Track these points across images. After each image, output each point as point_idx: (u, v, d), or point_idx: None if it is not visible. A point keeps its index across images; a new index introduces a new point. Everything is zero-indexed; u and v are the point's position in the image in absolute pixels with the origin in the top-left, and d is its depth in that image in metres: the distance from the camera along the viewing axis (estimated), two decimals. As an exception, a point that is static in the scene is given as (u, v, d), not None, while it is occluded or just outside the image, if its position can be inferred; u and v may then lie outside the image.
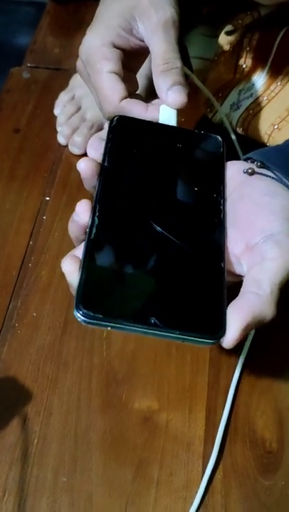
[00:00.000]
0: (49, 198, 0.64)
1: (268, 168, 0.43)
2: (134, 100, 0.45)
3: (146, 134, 0.44)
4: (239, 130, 0.62)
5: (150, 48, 0.45)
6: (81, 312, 0.33)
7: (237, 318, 0.34)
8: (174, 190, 0.41)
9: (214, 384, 0.50)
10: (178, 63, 0.45)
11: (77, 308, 0.33)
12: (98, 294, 0.34)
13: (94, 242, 0.37)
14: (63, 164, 0.67)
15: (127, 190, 0.40)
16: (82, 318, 0.33)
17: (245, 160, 0.45)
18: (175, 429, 0.48)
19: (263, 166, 0.43)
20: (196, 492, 0.45)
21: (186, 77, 0.51)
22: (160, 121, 0.44)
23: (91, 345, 0.52)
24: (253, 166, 0.43)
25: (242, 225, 0.40)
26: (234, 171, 0.43)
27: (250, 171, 0.42)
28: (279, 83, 0.60)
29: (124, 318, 0.33)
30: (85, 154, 0.67)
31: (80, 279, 0.35)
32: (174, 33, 0.45)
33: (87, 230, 0.37)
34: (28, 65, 0.79)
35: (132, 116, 0.45)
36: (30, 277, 0.57)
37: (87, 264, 0.35)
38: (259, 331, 0.52)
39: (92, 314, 0.33)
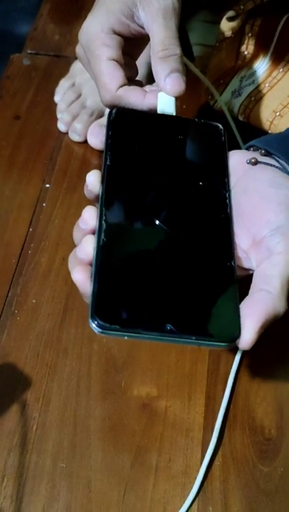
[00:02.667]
0: (49, 185, 0.63)
1: (271, 156, 0.43)
2: (131, 88, 0.44)
3: (146, 126, 0.43)
4: (241, 117, 0.62)
5: (150, 35, 0.44)
6: (96, 323, 0.33)
7: (252, 320, 0.34)
8: (179, 188, 0.40)
9: (214, 371, 0.50)
10: (177, 50, 0.44)
11: (93, 319, 0.33)
12: (113, 304, 0.33)
13: (103, 249, 0.35)
14: (63, 151, 0.66)
15: (131, 189, 0.39)
16: (98, 329, 0.33)
17: (248, 148, 0.44)
18: (174, 415, 0.48)
19: (266, 153, 0.42)
20: (195, 478, 0.45)
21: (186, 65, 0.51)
22: (158, 108, 0.44)
23: (91, 331, 0.50)
24: (256, 154, 0.43)
25: (248, 218, 0.39)
26: (236, 161, 0.43)
27: (253, 160, 0.42)
28: (281, 70, 0.60)
29: (141, 327, 0.33)
30: (85, 141, 0.67)
31: (93, 289, 0.34)
32: (175, 20, 0.44)
33: (96, 235, 0.36)
34: (29, 51, 0.78)
35: (130, 103, 0.44)
36: (29, 264, 0.57)
37: (99, 273, 0.34)
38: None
39: (108, 325, 0.32)
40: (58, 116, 0.69)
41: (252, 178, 0.41)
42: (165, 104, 0.43)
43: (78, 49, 0.47)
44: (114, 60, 0.44)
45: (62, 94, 0.70)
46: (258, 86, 0.61)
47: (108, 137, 0.42)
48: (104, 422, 0.47)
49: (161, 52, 0.43)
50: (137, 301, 0.34)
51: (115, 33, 0.45)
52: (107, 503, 0.44)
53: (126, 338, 0.33)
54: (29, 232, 0.59)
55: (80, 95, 0.69)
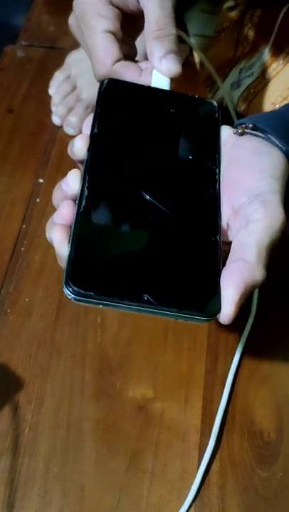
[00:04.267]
0: (43, 180, 0.62)
1: (258, 130, 0.41)
2: (127, 63, 0.43)
3: (138, 98, 0.42)
4: (240, 110, 0.60)
5: (145, 13, 0.42)
6: (71, 289, 0.32)
7: (230, 292, 0.33)
8: (167, 159, 0.40)
9: (212, 372, 0.49)
10: (173, 30, 0.42)
11: (67, 285, 0.32)
12: (89, 271, 0.33)
13: (83, 215, 0.35)
14: (58, 145, 0.65)
15: (117, 159, 0.39)
16: (72, 295, 0.32)
17: (237, 126, 0.43)
18: (170, 418, 0.46)
19: (254, 128, 0.41)
20: (192, 483, 0.43)
21: (189, 51, 0.49)
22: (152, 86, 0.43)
23: (85, 331, 0.51)
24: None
25: (229, 187, 0.38)
26: (226, 134, 0.42)
27: (240, 131, 0.41)
28: (281, 61, 0.58)
29: (116, 295, 0.32)
30: (80, 135, 0.66)
31: (70, 255, 0.33)
32: None
33: (77, 201, 0.36)
34: (23, 43, 0.76)
35: (124, 80, 0.43)
36: (22, 262, 0.55)
37: (77, 238, 0.34)
38: (258, 319, 0.51)
39: (82, 292, 0.32)
40: (53, 109, 0.67)
41: (237, 148, 0.40)
42: (160, 82, 0.42)
43: (71, 19, 0.45)
44: (110, 32, 0.42)
45: (57, 87, 0.68)
46: (258, 78, 0.59)
47: (98, 106, 0.41)
48: (99, 424, 0.46)
49: (156, 33, 0.42)
50: (115, 269, 0.33)
51: (112, 4, 0.43)
52: (101, 508, 0.43)
53: (101, 306, 0.32)
54: (22, 228, 0.58)
55: (75, 87, 0.67)
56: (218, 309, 0.33)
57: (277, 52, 0.58)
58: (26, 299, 0.53)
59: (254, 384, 0.48)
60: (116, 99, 0.42)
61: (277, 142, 0.40)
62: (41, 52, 0.75)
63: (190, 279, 0.34)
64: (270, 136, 0.40)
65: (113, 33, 0.42)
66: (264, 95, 0.58)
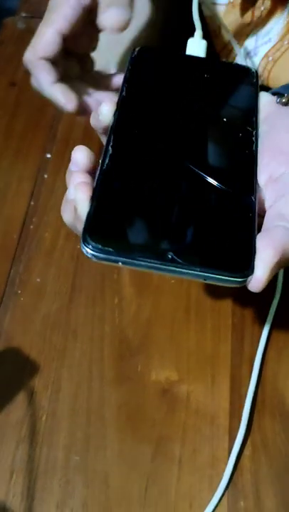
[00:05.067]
0: (50, 155, 0.59)
1: None
2: (48, 68, 0.45)
3: (171, 64, 0.41)
4: (259, 81, 0.57)
5: None
6: (89, 246, 0.30)
7: (266, 254, 0.31)
8: (199, 120, 0.38)
9: (238, 351, 0.46)
10: None
11: (85, 242, 0.30)
12: (109, 226, 0.31)
13: (106, 173, 0.33)
14: (65, 118, 0.61)
15: (146, 120, 0.37)
16: (91, 252, 0.30)
17: (275, 95, 0.42)
18: (197, 401, 0.44)
19: None
20: (224, 470, 0.40)
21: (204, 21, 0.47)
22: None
23: (102, 311, 0.48)
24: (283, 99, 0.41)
25: (268, 154, 0.37)
26: (265, 101, 0.41)
27: (284, 100, 0.40)
28: (301, 26, 0.55)
29: (138, 252, 0.30)
30: (88, 108, 0.62)
31: (89, 210, 0.31)
32: None
33: (100, 160, 0.34)
34: (23, 14, 0.73)
35: (39, 80, 0.45)
36: (32, 240, 0.52)
37: (98, 194, 0.32)
38: (284, 296, 0.48)
39: (101, 247, 0.29)
40: (58, 81, 0.64)
41: (280, 117, 0.39)
42: (195, 50, 0.42)
43: None
44: (62, 33, 0.44)
45: (61, 58, 0.65)
46: (276, 44, 0.56)
47: (128, 71, 0.39)
48: (121, 410, 0.43)
49: None
50: (137, 225, 0.31)
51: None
52: (128, 499, 0.40)
53: (120, 264, 0.30)
54: (30, 205, 0.55)
55: (80, 59, 0.64)
56: (251, 271, 0.30)
57: (294, 17, 0.55)
58: (38, 279, 0.50)
59: (284, 362, 0.45)
60: (147, 64, 0.41)
61: None
62: (43, 23, 0.71)
63: (220, 237, 0.31)
64: None
65: (64, 34, 0.44)
66: (283, 63, 0.55)
